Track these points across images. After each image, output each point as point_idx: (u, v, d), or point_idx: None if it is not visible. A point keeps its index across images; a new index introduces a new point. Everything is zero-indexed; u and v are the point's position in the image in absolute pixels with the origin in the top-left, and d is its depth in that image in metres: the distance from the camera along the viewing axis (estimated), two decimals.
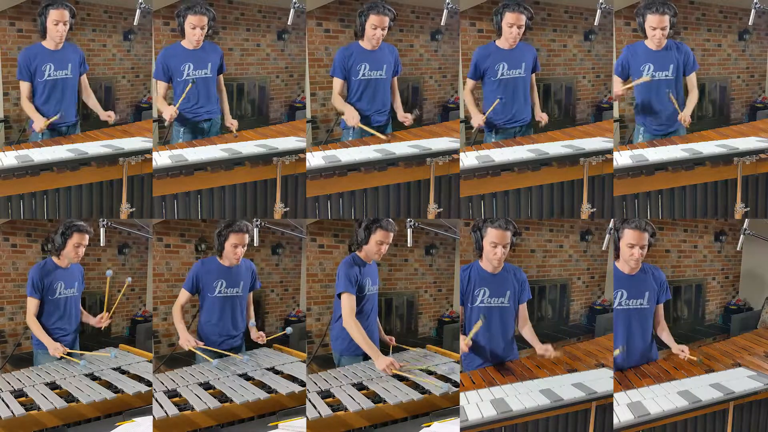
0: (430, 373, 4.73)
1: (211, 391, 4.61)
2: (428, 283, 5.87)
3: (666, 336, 4.90)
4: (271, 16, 5.87)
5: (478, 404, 4.39)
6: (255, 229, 5.13)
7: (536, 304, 5.75)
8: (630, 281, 4.79)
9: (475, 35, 5.73)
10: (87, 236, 5.00)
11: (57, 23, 5.17)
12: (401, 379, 4.72)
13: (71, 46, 5.30)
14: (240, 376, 4.80)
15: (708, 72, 5.82)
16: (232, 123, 5.38)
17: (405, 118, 5.38)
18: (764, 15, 5.73)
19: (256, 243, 5.18)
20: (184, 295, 5.05)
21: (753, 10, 5.67)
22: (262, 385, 4.70)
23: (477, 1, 5.70)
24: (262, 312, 5.72)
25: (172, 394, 4.59)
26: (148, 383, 4.73)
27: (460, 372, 4.72)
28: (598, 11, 5.69)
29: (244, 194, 5.03)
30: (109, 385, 4.69)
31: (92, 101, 5.40)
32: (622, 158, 4.99)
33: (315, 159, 4.99)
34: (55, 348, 4.92)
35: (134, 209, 5.05)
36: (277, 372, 4.89)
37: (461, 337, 4.73)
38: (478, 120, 5.28)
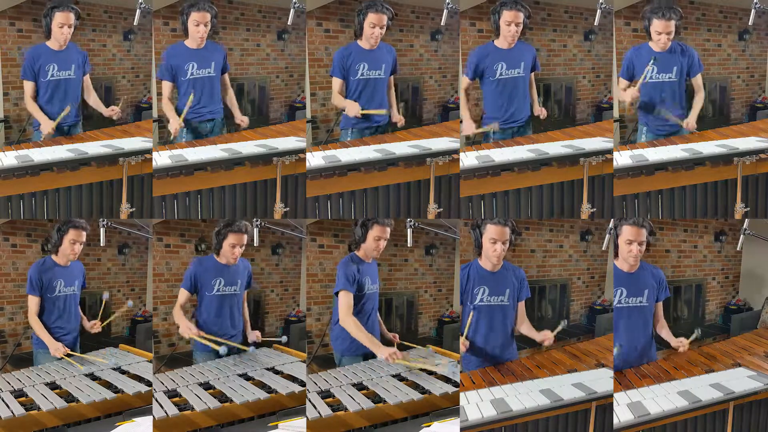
0: (430, 373, 4.73)
1: (211, 391, 4.61)
2: (428, 283, 5.87)
3: (666, 333, 4.91)
4: (271, 16, 5.87)
5: (478, 404, 4.39)
6: (255, 229, 5.13)
7: (536, 304, 5.75)
8: (629, 279, 4.80)
9: (475, 35, 5.72)
10: (83, 233, 5.01)
11: (62, 26, 5.19)
12: (401, 379, 4.72)
13: (75, 46, 5.31)
14: (240, 376, 4.80)
15: (708, 72, 5.82)
16: (242, 120, 5.39)
17: (399, 119, 5.39)
18: (764, 15, 5.73)
19: (256, 243, 5.18)
20: (183, 295, 5.05)
21: (753, 10, 5.67)
22: (262, 385, 4.70)
23: (477, 1, 5.69)
24: (262, 312, 5.72)
25: (172, 394, 4.59)
26: (148, 383, 4.73)
27: (460, 372, 4.72)
28: (598, 11, 5.69)
29: (244, 194, 5.03)
30: (109, 385, 4.69)
31: (93, 100, 5.40)
32: (622, 158, 4.99)
33: (315, 159, 4.99)
34: (56, 348, 4.92)
35: (134, 209, 5.05)
36: (277, 372, 4.89)
37: (461, 338, 4.73)
38: (470, 129, 5.29)
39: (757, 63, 5.91)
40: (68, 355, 4.93)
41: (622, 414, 4.41)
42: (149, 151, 5.04)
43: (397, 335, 5.09)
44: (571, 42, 5.93)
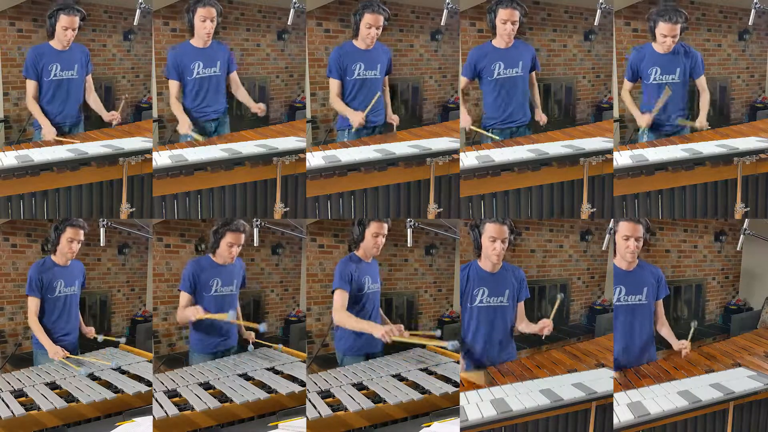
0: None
1: (211, 391, 4.61)
2: (428, 283, 5.87)
3: (666, 331, 4.91)
4: (271, 16, 5.87)
5: (478, 404, 4.39)
6: (255, 229, 5.13)
7: (536, 304, 5.75)
8: (628, 277, 4.81)
9: (475, 35, 5.73)
10: (81, 231, 5.00)
11: (66, 29, 5.19)
12: (401, 379, 4.72)
13: (78, 46, 5.31)
14: (240, 376, 4.80)
15: (708, 72, 5.82)
16: (259, 107, 5.37)
17: (394, 119, 5.39)
18: (764, 15, 5.73)
19: (256, 243, 5.18)
20: (184, 297, 4.99)
21: (753, 10, 5.67)
22: (262, 385, 4.70)
23: (477, 1, 5.70)
24: (262, 312, 5.72)
25: (172, 394, 4.59)
26: (148, 383, 4.73)
27: (460, 372, 4.72)
28: (598, 11, 5.69)
29: (244, 194, 5.03)
30: (109, 385, 4.69)
31: (93, 101, 5.40)
32: (622, 158, 4.99)
33: (315, 159, 4.99)
34: (55, 352, 4.91)
35: (134, 209, 5.05)
36: (277, 372, 4.89)
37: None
38: (467, 122, 5.28)
39: (757, 63, 5.91)
40: (67, 359, 4.92)
41: (622, 414, 4.40)
42: (149, 151, 5.04)
43: (401, 326, 5.07)
44: (571, 42, 5.93)
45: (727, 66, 5.93)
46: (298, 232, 5.42)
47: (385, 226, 4.91)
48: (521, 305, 4.84)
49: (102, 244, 5.15)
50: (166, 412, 4.41)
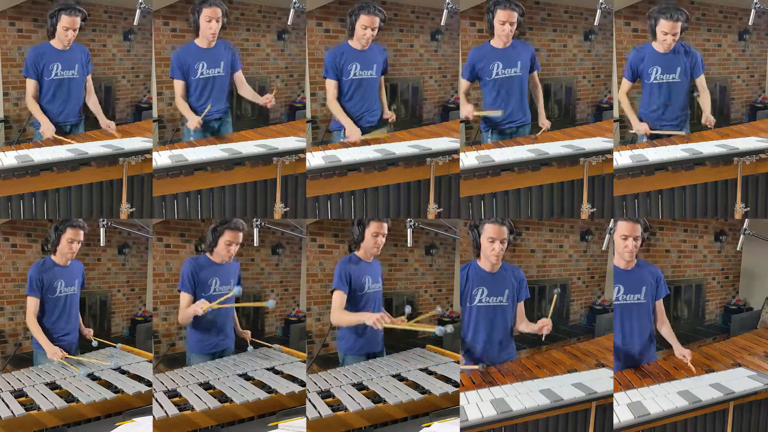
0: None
1: (211, 391, 4.61)
2: (428, 283, 5.87)
3: (666, 331, 4.90)
4: (271, 16, 5.87)
5: (478, 404, 4.39)
6: (255, 229, 5.13)
7: (536, 305, 5.75)
8: (626, 276, 4.82)
9: (475, 35, 5.72)
10: (81, 231, 5.00)
11: (67, 29, 5.19)
12: (401, 379, 4.72)
13: (79, 46, 5.31)
14: (240, 376, 4.80)
15: (708, 72, 5.82)
16: (267, 98, 5.36)
17: (390, 115, 5.39)
18: (764, 15, 5.73)
19: (256, 243, 5.18)
20: (185, 298, 4.96)
21: (753, 10, 5.67)
22: (262, 385, 4.70)
23: (477, 1, 5.70)
24: (262, 312, 5.72)
25: (172, 394, 4.59)
26: (148, 383, 4.73)
27: (460, 372, 4.72)
28: (598, 11, 5.69)
29: (244, 194, 5.03)
30: (109, 385, 4.69)
31: (93, 103, 5.39)
32: (622, 158, 5.00)
33: (315, 159, 4.99)
34: (54, 352, 4.90)
35: (134, 209, 5.05)
36: (277, 372, 4.89)
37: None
38: (468, 111, 5.27)
39: (757, 63, 5.91)
40: (66, 359, 4.92)
41: (622, 414, 4.40)
42: (149, 151, 5.04)
43: (404, 319, 5.06)
44: (571, 42, 5.93)
45: (727, 66, 5.93)
46: (298, 232, 5.42)
47: (385, 225, 4.91)
48: (521, 306, 4.84)
49: (102, 244, 5.15)
50: (166, 412, 4.41)
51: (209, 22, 5.23)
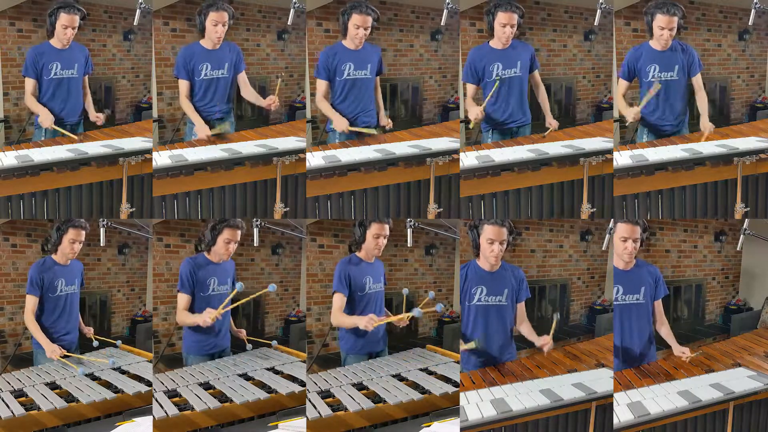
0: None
1: (211, 391, 4.62)
2: (428, 283, 5.87)
3: (665, 331, 4.90)
4: (271, 16, 5.87)
5: (478, 404, 4.39)
6: (255, 229, 5.13)
7: (536, 304, 5.75)
8: (625, 276, 4.82)
9: (475, 35, 5.72)
10: (83, 232, 5.00)
11: (66, 28, 5.19)
12: (401, 379, 4.73)
13: (78, 45, 5.31)
14: (240, 376, 4.80)
15: (708, 72, 5.82)
16: (270, 99, 5.35)
17: (387, 123, 5.38)
18: (764, 15, 5.73)
19: (256, 243, 5.18)
20: (183, 299, 4.97)
21: (753, 10, 5.67)
22: (262, 385, 4.70)
23: (477, 1, 5.69)
24: (262, 312, 5.72)
25: (172, 394, 4.59)
26: (148, 383, 4.73)
27: (460, 372, 4.72)
28: (598, 11, 5.69)
29: (244, 194, 5.03)
30: (109, 385, 4.69)
31: (88, 102, 5.39)
32: (622, 158, 4.99)
33: (315, 159, 4.99)
34: (53, 351, 4.90)
35: (134, 209, 5.05)
36: (277, 372, 4.89)
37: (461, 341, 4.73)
38: (476, 111, 5.24)
39: (757, 63, 5.91)
40: (65, 357, 4.92)
41: (622, 414, 4.41)
42: (149, 151, 5.04)
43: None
44: (571, 42, 5.93)
45: (727, 66, 5.93)
46: (298, 232, 5.42)
47: (387, 227, 4.92)
48: (522, 306, 4.84)
49: (102, 244, 5.15)
50: (166, 412, 4.41)
51: (215, 26, 5.23)
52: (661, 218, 5.04)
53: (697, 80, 5.30)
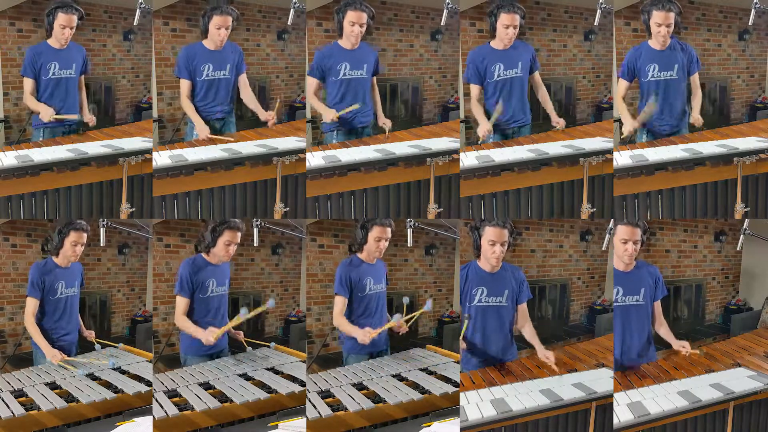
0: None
1: (211, 391, 4.62)
2: (428, 283, 5.87)
3: (664, 331, 4.91)
4: (271, 16, 5.86)
5: (478, 404, 4.39)
6: (255, 229, 5.13)
7: (536, 304, 5.75)
8: (625, 278, 4.82)
9: (475, 35, 5.72)
10: (84, 234, 5.00)
11: (64, 27, 5.19)
12: (401, 379, 4.73)
13: (76, 45, 5.31)
14: (240, 376, 4.80)
15: (708, 72, 5.82)
16: (269, 115, 5.36)
17: (386, 122, 5.38)
18: (764, 15, 5.73)
19: (256, 243, 5.18)
20: (182, 302, 4.95)
21: (753, 10, 5.67)
22: (262, 385, 4.70)
23: (477, 1, 5.69)
24: (262, 312, 5.71)
25: (172, 394, 4.59)
26: (148, 383, 4.73)
27: (460, 372, 4.72)
28: (598, 11, 5.69)
29: (244, 194, 5.03)
30: (109, 385, 4.69)
31: (82, 101, 5.39)
32: (622, 158, 4.99)
33: (315, 159, 4.99)
34: (53, 355, 4.90)
35: (134, 209, 5.05)
36: (277, 372, 4.89)
37: (460, 340, 4.73)
38: (486, 126, 5.23)
39: (757, 63, 5.91)
40: (66, 362, 4.91)
41: (622, 414, 4.41)
42: (149, 151, 5.04)
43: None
44: (571, 42, 5.93)
45: (727, 66, 5.93)
46: (298, 232, 5.42)
47: (389, 230, 4.91)
48: (523, 307, 4.84)
49: (102, 244, 5.15)
50: (166, 412, 4.41)
51: (218, 30, 5.24)
52: (661, 218, 5.04)
53: (695, 79, 5.31)
